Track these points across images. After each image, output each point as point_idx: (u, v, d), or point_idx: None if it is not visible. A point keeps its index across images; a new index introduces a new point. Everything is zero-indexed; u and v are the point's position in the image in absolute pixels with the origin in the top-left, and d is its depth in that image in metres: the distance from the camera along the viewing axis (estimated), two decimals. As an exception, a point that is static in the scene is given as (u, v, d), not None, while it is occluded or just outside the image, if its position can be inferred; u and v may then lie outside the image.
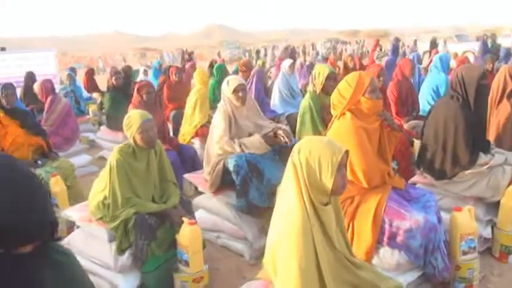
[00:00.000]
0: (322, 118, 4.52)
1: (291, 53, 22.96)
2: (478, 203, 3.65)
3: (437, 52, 11.36)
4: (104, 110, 11.18)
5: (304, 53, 33.96)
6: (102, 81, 13.70)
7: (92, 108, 10.59)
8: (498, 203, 3.61)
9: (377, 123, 3.13)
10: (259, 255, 3.89)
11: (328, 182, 1.95)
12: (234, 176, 3.68)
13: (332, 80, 4.50)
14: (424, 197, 3.27)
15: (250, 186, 3.69)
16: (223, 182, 3.83)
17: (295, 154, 2.04)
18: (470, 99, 3.69)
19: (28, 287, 1.04)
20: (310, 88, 4.70)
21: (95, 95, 12.09)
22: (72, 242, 3.56)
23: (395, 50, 15.95)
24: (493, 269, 3.52)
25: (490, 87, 4.21)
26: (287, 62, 7.35)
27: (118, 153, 3.21)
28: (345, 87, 3.10)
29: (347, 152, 2.04)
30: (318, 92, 4.56)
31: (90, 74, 13.37)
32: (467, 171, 3.60)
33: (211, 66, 12.83)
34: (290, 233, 1.96)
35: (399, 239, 2.93)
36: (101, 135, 7.83)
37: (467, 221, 3.12)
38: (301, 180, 2.00)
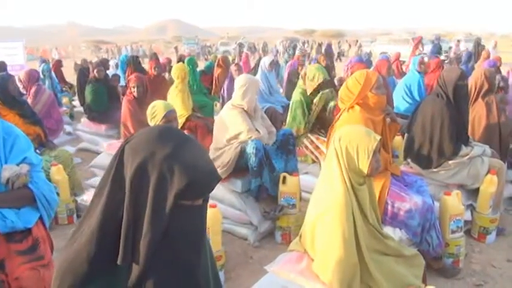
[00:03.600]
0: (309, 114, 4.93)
1: (253, 50, 23.39)
2: (459, 190, 4.10)
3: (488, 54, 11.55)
4: (73, 102, 11.29)
5: (264, 50, 34.46)
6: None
7: (64, 101, 10.57)
8: (477, 189, 4.09)
9: (381, 116, 3.54)
10: (262, 238, 4.21)
11: (364, 166, 2.31)
12: (252, 158, 3.95)
13: (324, 85, 4.89)
14: (417, 182, 3.68)
15: (264, 169, 4.01)
16: (234, 168, 4.12)
17: (336, 142, 2.39)
18: (451, 97, 4.14)
19: (202, 236, 1.32)
20: (301, 84, 5.04)
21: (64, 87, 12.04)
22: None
23: (436, 48, 16.25)
24: (474, 247, 4.00)
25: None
26: (267, 59, 7.64)
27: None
28: (353, 84, 3.48)
29: (380, 140, 2.40)
30: (309, 92, 4.91)
31: (58, 65, 13.27)
32: (451, 161, 4.05)
33: (180, 60, 12.97)
34: (334, 209, 2.30)
35: (400, 218, 3.31)
36: (81, 127, 7.91)
37: (455, 203, 3.56)
38: (341, 164, 2.35)
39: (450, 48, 28.05)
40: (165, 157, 1.15)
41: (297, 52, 15.10)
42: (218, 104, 8.48)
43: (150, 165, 1.15)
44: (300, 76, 5.29)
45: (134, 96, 5.42)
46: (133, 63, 9.63)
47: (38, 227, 2.65)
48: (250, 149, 3.96)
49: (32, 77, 6.91)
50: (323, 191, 2.44)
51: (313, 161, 4.89)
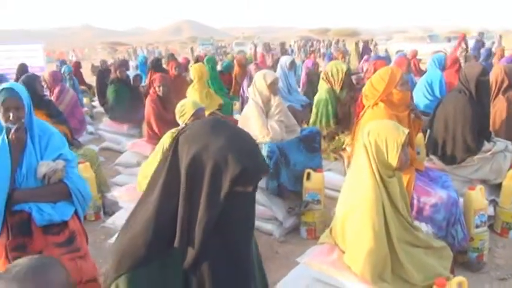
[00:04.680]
0: (336, 111, 4.94)
1: (268, 50, 23.31)
2: (482, 185, 4.12)
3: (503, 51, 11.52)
4: (93, 103, 11.46)
5: (282, 51, 34.44)
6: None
7: (85, 102, 10.74)
8: (500, 184, 4.10)
9: (406, 112, 3.58)
10: (287, 233, 4.28)
11: (393, 159, 2.37)
12: (267, 161, 4.03)
13: (348, 76, 4.93)
14: (441, 178, 3.71)
15: (281, 169, 4.07)
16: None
17: (365, 136, 2.45)
18: (473, 93, 4.16)
19: (253, 223, 1.40)
20: (323, 84, 5.09)
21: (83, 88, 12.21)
22: (117, 221, 3.85)
23: (479, 45, 16.12)
24: (497, 242, 4.01)
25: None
26: (287, 59, 7.69)
27: (171, 138, 3.50)
28: (378, 81, 3.53)
29: (409, 133, 2.45)
30: (337, 88, 4.94)
31: (77, 67, 13.46)
32: (475, 157, 4.07)
33: (197, 61, 13.10)
34: (364, 202, 2.36)
35: (425, 213, 3.35)
36: (103, 127, 8.03)
37: (479, 198, 3.59)
38: (371, 157, 2.41)
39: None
40: (220, 147, 1.22)
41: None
42: (237, 104, 8.56)
43: (205, 155, 1.22)
44: (320, 77, 5.32)
45: (158, 96, 5.51)
46: (155, 64, 9.77)
47: (74, 221, 2.75)
48: (264, 153, 4.02)
49: (56, 78, 7.07)
50: (353, 185, 2.50)
51: (335, 158, 4.94)
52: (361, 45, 19.84)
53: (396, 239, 2.37)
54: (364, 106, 4.96)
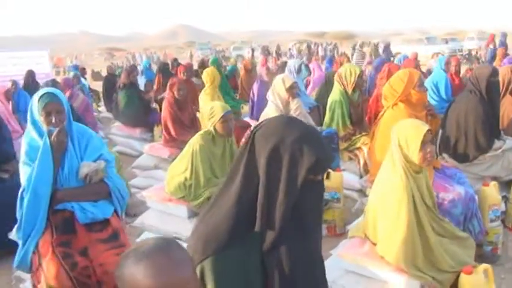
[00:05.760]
0: (350, 113, 5.08)
1: (266, 53, 23.56)
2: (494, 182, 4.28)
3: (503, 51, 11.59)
4: (99, 108, 11.59)
5: (277, 53, 34.67)
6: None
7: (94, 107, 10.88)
8: (511, 181, 4.26)
9: (424, 112, 3.75)
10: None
11: (415, 156, 2.54)
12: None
13: (361, 78, 5.08)
14: (456, 175, 3.86)
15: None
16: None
17: (393, 135, 2.64)
18: (483, 93, 4.33)
19: (322, 209, 1.57)
20: (337, 85, 5.23)
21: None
22: (145, 221, 3.99)
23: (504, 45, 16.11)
24: (509, 237, 4.17)
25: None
26: (295, 62, 7.85)
27: (201, 139, 3.67)
28: (397, 82, 3.71)
29: (429, 130, 2.61)
30: (350, 90, 5.08)
31: (82, 73, 13.61)
32: (486, 155, 4.23)
33: (202, 65, 13.24)
34: (394, 194, 2.53)
35: (444, 208, 3.48)
36: (115, 131, 8.16)
37: (494, 193, 3.75)
38: (398, 155, 2.57)
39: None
40: (295, 140, 1.39)
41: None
42: (245, 107, 8.69)
43: (282, 148, 1.39)
44: (335, 79, 5.45)
45: (175, 99, 5.64)
46: (162, 68, 9.95)
47: (115, 219, 2.90)
48: None
49: (68, 83, 7.21)
50: (384, 180, 2.66)
51: (350, 158, 5.07)
52: (381, 46, 19.95)
53: (427, 227, 2.53)
54: (376, 107, 5.14)
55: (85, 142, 2.95)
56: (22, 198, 2.82)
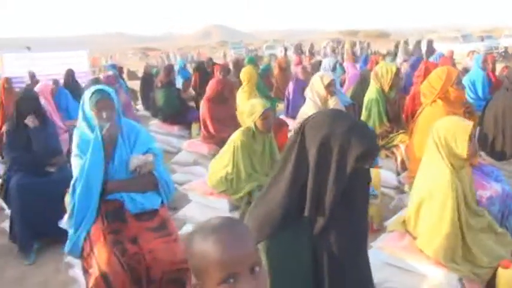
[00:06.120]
0: (386, 111, 5.12)
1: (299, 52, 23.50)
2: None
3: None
4: (136, 107, 11.87)
5: (310, 52, 34.54)
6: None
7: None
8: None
9: (462, 110, 3.80)
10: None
11: (463, 150, 2.60)
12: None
13: (398, 76, 5.11)
14: (494, 173, 3.88)
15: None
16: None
17: (435, 132, 2.72)
18: (519, 90, 4.34)
19: (368, 197, 1.68)
20: (374, 84, 5.28)
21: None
22: (187, 213, 4.14)
23: None
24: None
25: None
26: (330, 61, 7.92)
27: (242, 136, 3.80)
28: (435, 80, 3.77)
29: (473, 126, 2.67)
30: (386, 88, 5.12)
31: (120, 71, 13.92)
32: (524, 152, 4.25)
33: (237, 64, 13.40)
34: (441, 190, 2.61)
35: (481, 205, 3.53)
36: (154, 129, 8.36)
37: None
38: (442, 151, 2.64)
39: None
40: (344, 131, 1.51)
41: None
42: (280, 105, 8.78)
43: (332, 139, 1.51)
44: (371, 77, 5.49)
45: (213, 96, 5.80)
46: (199, 67, 10.15)
47: (163, 209, 3.05)
48: None
49: (111, 81, 7.44)
50: (427, 176, 2.74)
51: (387, 156, 5.11)
52: (424, 43, 19.74)
53: (465, 225, 2.59)
54: (412, 106, 5.16)
55: (134, 136, 3.10)
56: (74, 189, 2.96)
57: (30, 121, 4.41)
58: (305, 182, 1.54)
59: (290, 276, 1.55)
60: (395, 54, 17.96)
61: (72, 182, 3.00)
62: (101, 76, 9.25)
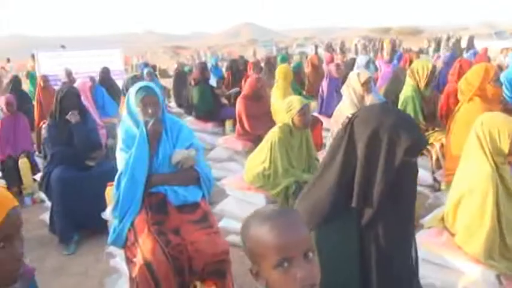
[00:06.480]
0: (422, 108, 5.11)
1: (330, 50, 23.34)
2: None
3: None
4: (169, 104, 12.05)
5: (342, 50, 34.30)
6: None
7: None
8: None
9: (499, 107, 3.79)
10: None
11: (505, 146, 2.61)
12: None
13: (433, 74, 5.10)
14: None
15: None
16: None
17: (478, 127, 2.71)
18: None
19: (416, 190, 1.73)
20: (410, 81, 5.27)
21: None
22: (225, 208, 4.23)
23: None
24: None
25: None
26: (364, 59, 7.92)
27: (280, 132, 3.87)
28: (473, 76, 3.78)
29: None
30: (422, 85, 5.11)
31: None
32: None
33: (268, 62, 13.47)
34: (481, 186, 2.62)
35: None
36: (189, 125, 8.48)
37: None
38: (485, 147, 2.66)
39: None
40: (392, 125, 1.56)
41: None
42: (312, 103, 8.81)
43: (381, 131, 1.56)
44: (407, 74, 5.48)
45: (250, 94, 5.89)
46: (232, 66, 10.27)
47: (204, 202, 3.14)
48: None
49: (150, 77, 7.64)
50: (467, 172, 2.75)
51: (422, 154, 5.09)
52: (466, 38, 19.49)
53: (505, 221, 2.60)
54: (447, 104, 5.13)
55: (176, 132, 3.21)
56: (119, 182, 3.08)
57: (72, 117, 4.57)
58: (353, 174, 1.60)
59: (337, 266, 1.61)
60: (437, 49, 17.68)
61: (117, 175, 3.11)
62: (145, 72, 9.45)
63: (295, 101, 3.87)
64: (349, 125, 1.66)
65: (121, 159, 3.11)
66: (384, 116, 1.59)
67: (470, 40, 20.96)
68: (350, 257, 1.63)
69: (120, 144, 3.17)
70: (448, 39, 25.15)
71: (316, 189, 1.69)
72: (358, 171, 1.59)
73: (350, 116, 1.71)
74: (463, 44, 22.59)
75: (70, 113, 4.58)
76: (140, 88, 3.09)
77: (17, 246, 1.39)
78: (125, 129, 3.17)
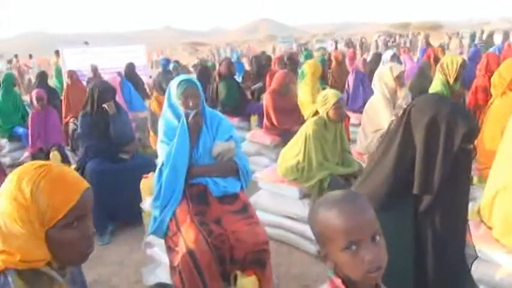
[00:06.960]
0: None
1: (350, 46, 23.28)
2: None
3: None
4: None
5: (361, 46, 34.12)
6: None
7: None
8: None
9: (532, 101, 3.79)
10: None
11: None
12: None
13: (463, 68, 5.10)
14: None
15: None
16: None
17: None
18: None
19: (470, 177, 1.80)
20: (439, 75, 5.28)
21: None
22: (258, 201, 4.30)
23: None
24: None
25: None
26: (389, 54, 7.92)
27: (314, 125, 3.93)
28: (506, 71, 3.77)
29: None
30: (451, 80, 5.12)
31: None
32: None
33: (290, 58, 13.48)
34: None
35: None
36: (215, 120, 8.58)
37: None
38: None
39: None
40: (449, 112, 1.63)
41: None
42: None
43: (439, 119, 1.62)
44: (437, 69, 5.49)
45: (277, 89, 5.94)
46: (255, 61, 10.32)
47: (243, 193, 3.21)
48: None
49: (177, 72, 7.74)
50: (501, 169, 2.77)
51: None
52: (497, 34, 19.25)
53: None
54: (475, 99, 5.13)
55: (216, 124, 3.29)
56: (161, 172, 3.16)
57: (109, 108, 4.65)
58: (409, 162, 1.66)
59: (394, 251, 1.67)
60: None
61: (158, 166, 3.20)
62: (171, 67, 9.52)
63: (331, 95, 3.92)
64: (406, 115, 1.71)
65: (162, 150, 3.19)
66: (440, 104, 1.65)
67: (506, 35, 20.66)
68: (406, 248, 1.68)
69: (161, 136, 3.25)
70: (482, 33, 24.89)
71: (372, 177, 1.75)
72: (418, 159, 1.65)
73: (408, 104, 1.75)
74: (497, 39, 22.26)
75: (107, 104, 4.66)
76: (182, 81, 3.16)
77: (89, 225, 1.47)
78: (166, 122, 3.25)
